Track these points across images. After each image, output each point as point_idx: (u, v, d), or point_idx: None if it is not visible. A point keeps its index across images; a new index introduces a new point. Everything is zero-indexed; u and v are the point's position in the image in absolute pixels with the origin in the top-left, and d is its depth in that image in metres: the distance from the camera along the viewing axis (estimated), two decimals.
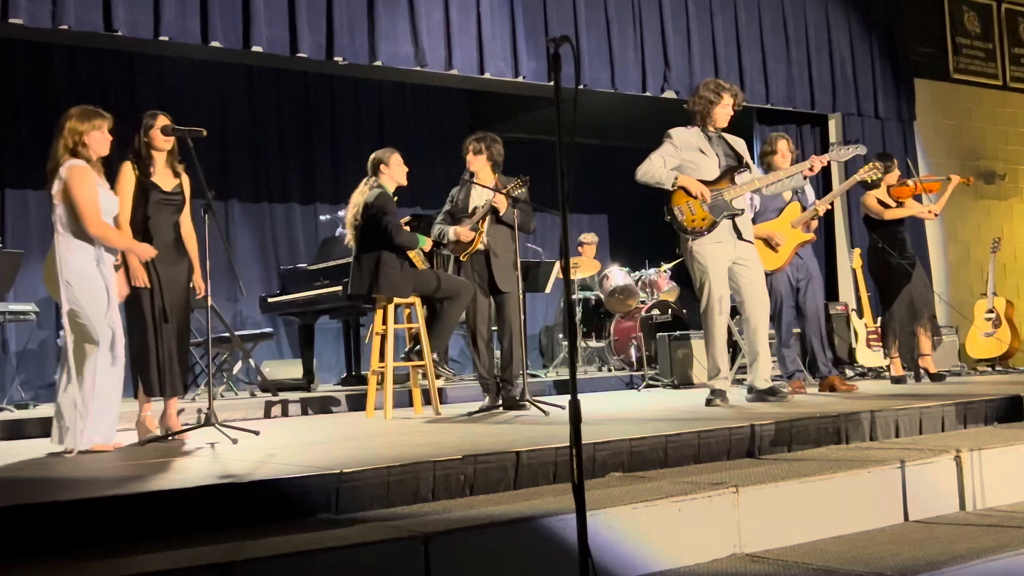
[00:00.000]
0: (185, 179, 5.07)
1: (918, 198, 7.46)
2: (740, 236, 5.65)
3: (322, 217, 10.36)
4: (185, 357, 5.14)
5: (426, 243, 6.09)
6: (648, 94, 9.02)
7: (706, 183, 5.61)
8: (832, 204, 7.03)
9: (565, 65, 2.83)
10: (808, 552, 3.17)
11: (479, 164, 6.08)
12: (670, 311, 9.33)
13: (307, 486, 3.10)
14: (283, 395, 7.12)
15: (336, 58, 7.50)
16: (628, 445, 3.79)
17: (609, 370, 9.61)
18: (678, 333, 8.26)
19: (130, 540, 2.78)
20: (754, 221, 6.23)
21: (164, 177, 4.98)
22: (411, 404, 6.39)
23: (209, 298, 5.09)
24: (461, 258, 6.07)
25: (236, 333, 7.95)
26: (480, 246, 6.00)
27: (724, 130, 5.82)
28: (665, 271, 10.04)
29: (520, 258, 6.03)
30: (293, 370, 8.53)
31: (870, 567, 2.91)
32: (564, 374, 9.06)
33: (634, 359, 9.06)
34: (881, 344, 7.59)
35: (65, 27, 6.45)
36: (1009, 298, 9.30)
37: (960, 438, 4.39)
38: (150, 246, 4.74)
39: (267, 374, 7.98)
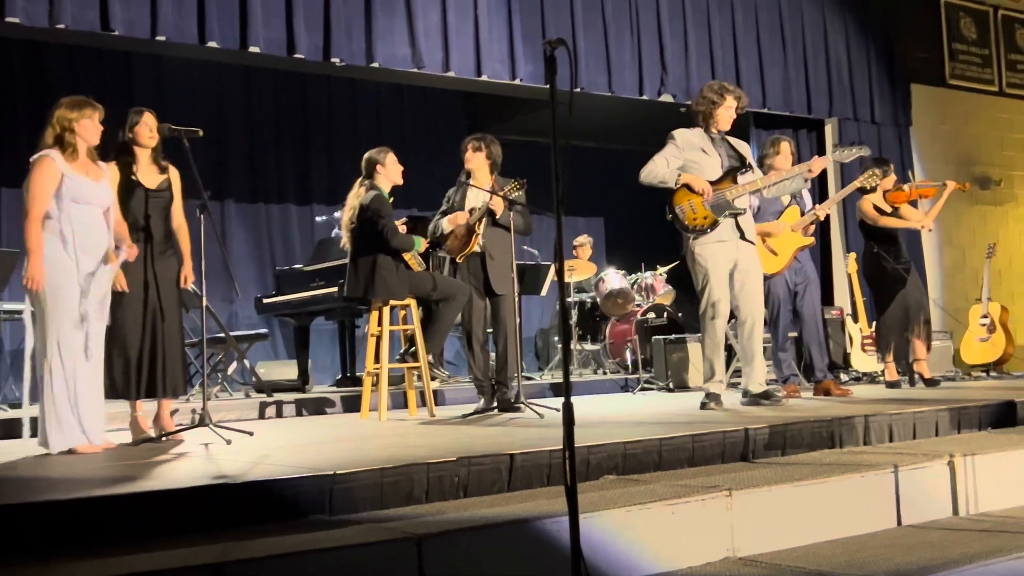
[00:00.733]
0: (173, 173, 5.05)
1: (914, 203, 7.47)
2: (743, 236, 5.65)
3: (318, 218, 10.36)
4: (182, 356, 5.13)
5: (421, 245, 6.09)
6: (645, 97, 9.04)
7: (709, 183, 5.62)
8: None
9: (561, 68, 2.83)
10: (801, 556, 3.17)
11: (478, 162, 6.07)
12: (666, 314, 9.34)
13: (301, 487, 3.10)
14: (278, 396, 7.11)
15: (333, 59, 7.50)
16: (622, 448, 3.79)
17: (604, 373, 9.61)
18: (673, 336, 8.26)
19: (122, 540, 2.77)
20: None
21: (149, 174, 4.96)
22: (406, 406, 6.38)
23: (204, 298, 5.08)
24: (457, 260, 6.07)
25: (231, 333, 7.94)
26: (476, 248, 6.00)
27: (727, 133, 5.84)
28: (661, 274, 10.04)
29: (516, 260, 6.03)
30: (288, 371, 8.52)
31: (863, 571, 2.92)
32: (559, 376, 9.06)
33: (629, 362, 9.07)
34: (876, 349, 7.59)
35: (62, 26, 6.45)
36: (1004, 303, 9.32)
37: (954, 443, 4.39)
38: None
39: (262, 375, 7.97)
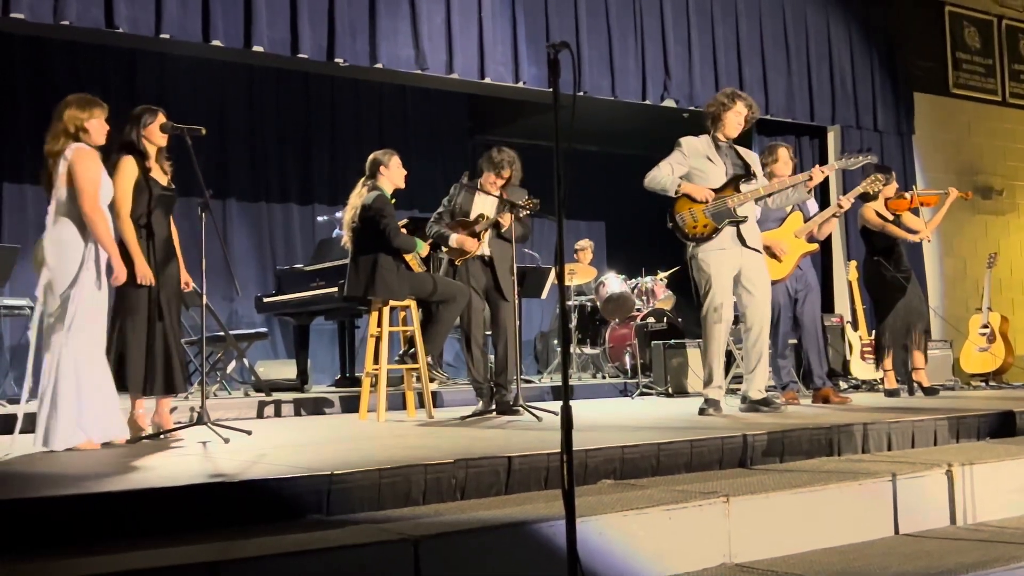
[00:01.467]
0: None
1: (915, 211, 7.47)
2: (745, 244, 5.65)
3: (319, 218, 10.37)
4: (183, 354, 5.13)
5: (423, 248, 6.09)
6: (648, 102, 9.04)
7: (711, 190, 5.62)
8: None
9: (565, 71, 2.84)
10: (798, 563, 3.17)
11: (502, 183, 6.07)
12: (666, 319, 9.33)
13: (298, 487, 3.10)
14: (276, 395, 7.11)
15: (337, 59, 7.50)
16: (620, 452, 3.79)
17: (603, 377, 9.61)
18: (673, 342, 8.26)
19: (118, 537, 2.77)
20: None
21: (158, 173, 4.98)
22: (404, 407, 6.38)
23: (204, 296, 5.08)
24: (456, 262, 6.07)
25: (231, 332, 7.94)
26: (478, 253, 6.00)
27: (736, 142, 5.83)
28: (662, 279, 10.05)
29: (517, 264, 6.04)
30: (287, 370, 8.52)
31: None
32: (559, 380, 9.06)
33: (628, 367, 9.06)
34: (875, 357, 7.59)
35: (66, 22, 6.45)
36: (1004, 313, 9.31)
37: (952, 452, 4.39)
38: (115, 276, 4.63)
39: (261, 374, 7.98)
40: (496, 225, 5.97)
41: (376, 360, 5.97)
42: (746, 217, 5.68)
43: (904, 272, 7.16)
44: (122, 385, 4.74)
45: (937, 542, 3.50)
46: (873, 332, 7.64)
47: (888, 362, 7.20)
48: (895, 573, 2.98)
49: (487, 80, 8.15)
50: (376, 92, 11.04)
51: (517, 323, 6.07)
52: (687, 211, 5.63)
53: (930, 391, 7.16)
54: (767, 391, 5.87)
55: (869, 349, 7.95)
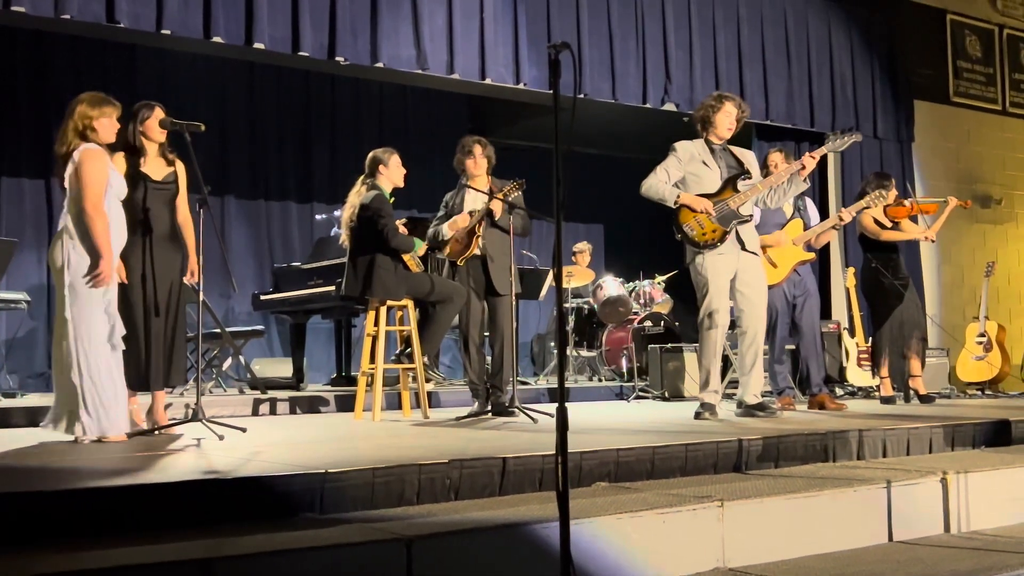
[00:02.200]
0: (180, 167, 5.07)
1: (914, 218, 7.47)
2: (743, 247, 5.65)
3: (318, 216, 10.36)
4: (183, 349, 5.12)
5: (421, 248, 6.08)
6: (648, 106, 9.03)
7: (709, 196, 5.61)
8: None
9: (566, 73, 2.84)
10: (791, 569, 3.17)
11: (483, 165, 6.06)
12: (663, 323, 9.34)
13: (292, 485, 3.09)
14: (272, 393, 7.09)
15: (338, 58, 7.49)
16: (615, 455, 3.78)
17: (600, 380, 9.61)
18: (670, 345, 8.26)
19: (112, 533, 2.77)
20: None
21: (156, 166, 4.98)
22: (400, 407, 6.38)
23: (201, 293, 5.08)
24: (458, 262, 6.06)
25: (227, 329, 7.93)
26: (476, 250, 5.99)
27: (730, 142, 5.82)
28: (659, 283, 10.05)
29: (515, 265, 6.03)
30: (283, 368, 8.51)
31: None
32: (555, 382, 9.05)
33: (625, 370, 9.06)
34: (872, 364, 7.59)
35: (67, 17, 6.44)
36: (1001, 322, 9.32)
37: (947, 460, 4.39)
38: (117, 269, 4.63)
39: (257, 372, 7.96)
40: (489, 214, 5.95)
41: (372, 359, 5.97)
42: (751, 216, 5.67)
43: (902, 280, 7.16)
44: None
45: (931, 550, 3.50)
46: (870, 339, 7.64)
47: (884, 369, 7.20)
48: None
49: (488, 81, 8.15)
50: (376, 92, 11.04)
51: (514, 324, 6.06)
52: (692, 219, 5.61)
53: (926, 399, 7.16)
54: (763, 396, 5.87)
55: (866, 356, 7.95)
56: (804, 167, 5.72)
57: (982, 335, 9.07)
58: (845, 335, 8.28)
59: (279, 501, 3.06)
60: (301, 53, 7.33)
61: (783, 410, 6.12)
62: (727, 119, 5.72)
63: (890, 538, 3.61)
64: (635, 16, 8.94)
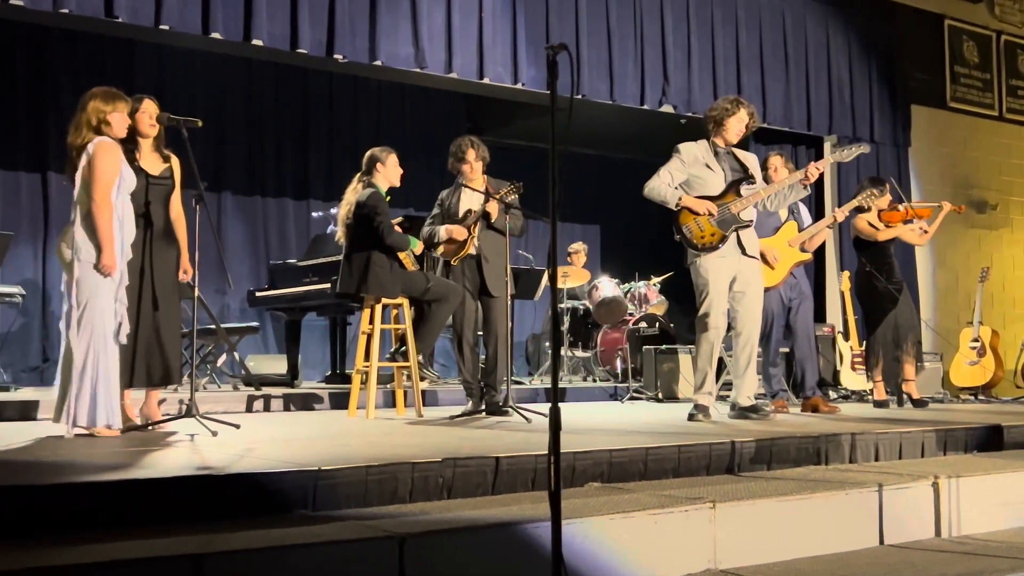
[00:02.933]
0: (175, 162, 5.07)
1: (909, 223, 7.48)
2: (744, 251, 5.65)
3: (314, 214, 10.35)
4: (178, 346, 5.12)
5: (417, 246, 6.09)
6: (646, 107, 9.04)
7: (711, 198, 5.62)
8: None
9: (563, 73, 2.84)
10: (782, 571, 3.17)
11: (478, 168, 6.07)
12: (657, 325, 9.34)
13: (285, 481, 3.10)
14: (266, 390, 7.10)
15: (336, 55, 7.50)
16: (608, 456, 3.79)
17: (594, 380, 9.61)
18: (664, 347, 8.27)
19: (104, 527, 2.76)
20: None
21: (152, 162, 4.98)
22: (394, 405, 6.38)
23: (196, 289, 5.08)
24: (452, 262, 6.07)
25: (222, 325, 7.93)
26: (472, 250, 6.00)
27: (736, 146, 5.83)
28: (655, 284, 10.05)
29: (510, 264, 6.03)
30: (277, 365, 8.51)
31: None
32: (549, 382, 9.05)
33: (619, 371, 9.07)
34: (865, 367, 7.60)
35: (66, 11, 6.43)
36: (995, 328, 9.34)
37: (939, 465, 4.40)
38: (116, 264, 4.61)
39: (251, 368, 7.96)
40: (485, 216, 5.96)
41: (367, 357, 5.97)
42: (751, 221, 5.68)
43: (896, 284, 7.18)
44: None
45: (922, 553, 3.51)
46: (864, 343, 7.65)
47: (878, 373, 7.21)
48: None
49: (486, 80, 8.15)
50: (374, 90, 11.03)
51: (509, 324, 6.06)
52: (692, 222, 5.62)
53: (919, 403, 7.18)
54: (757, 399, 5.88)
55: (860, 359, 7.96)
56: (808, 177, 5.72)
57: (976, 340, 9.09)
58: (839, 338, 8.29)
59: (272, 497, 3.06)
60: (299, 50, 7.34)
61: (776, 412, 6.13)
62: (739, 125, 5.72)
63: (881, 541, 3.61)
64: (634, 17, 8.96)
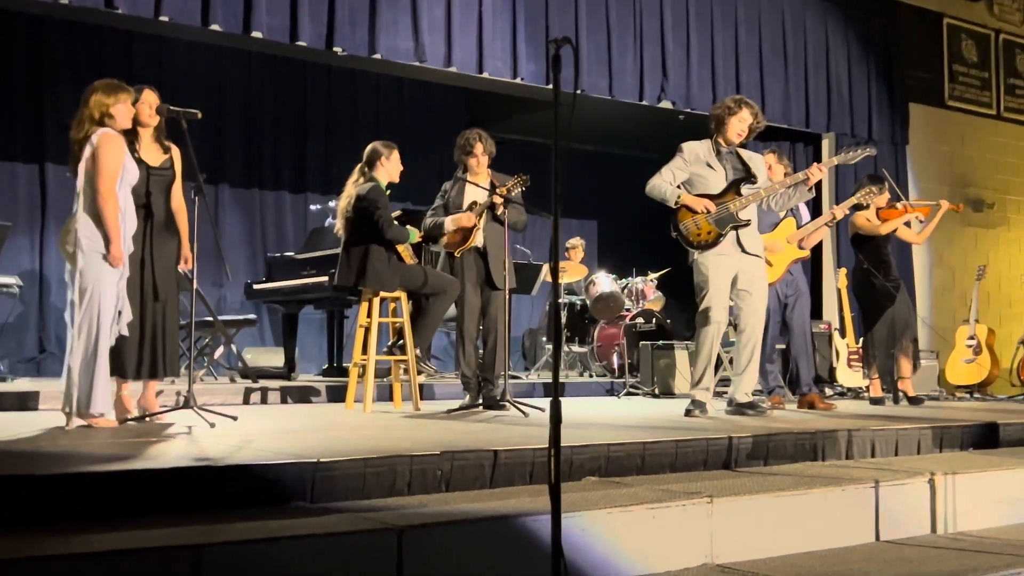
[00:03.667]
0: (176, 153, 5.07)
1: (906, 222, 7.50)
2: (744, 250, 5.66)
3: (312, 207, 10.34)
4: (176, 338, 5.12)
5: (415, 236, 6.08)
6: (645, 103, 9.05)
7: (712, 196, 5.62)
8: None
9: (564, 69, 2.84)
10: (779, 566, 3.19)
11: (484, 162, 6.07)
12: (655, 320, 9.35)
13: (283, 473, 3.10)
14: (263, 382, 7.11)
15: (336, 48, 7.49)
16: (606, 450, 3.80)
17: (591, 376, 9.62)
18: (661, 343, 8.28)
19: (103, 518, 2.77)
20: None
21: (152, 152, 4.98)
22: (391, 398, 6.38)
23: (195, 281, 5.08)
24: (455, 254, 6.06)
25: (219, 318, 7.93)
26: (476, 243, 6.00)
27: (741, 146, 5.83)
28: (652, 280, 10.06)
29: (510, 258, 6.03)
30: (275, 358, 8.51)
31: None
32: (546, 377, 9.07)
33: (616, 366, 9.08)
34: (862, 364, 7.62)
35: (65, 2, 6.43)
36: (991, 326, 9.36)
37: (935, 462, 4.41)
38: (123, 255, 4.62)
39: (248, 361, 7.96)
40: (491, 207, 5.96)
41: (365, 351, 5.97)
42: (749, 221, 5.68)
43: (893, 281, 7.19)
44: (115, 367, 4.74)
45: (917, 550, 3.52)
46: (860, 340, 7.67)
47: (875, 370, 7.23)
48: None
49: (485, 75, 8.15)
50: (373, 83, 11.03)
51: (507, 318, 6.06)
52: (690, 219, 5.63)
53: (915, 400, 7.20)
54: (753, 395, 5.89)
55: (856, 357, 7.98)
56: (810, 178, 5.72)
57: (972, 338, 9.11)
58: (836, 335, 8.31)
59: (271, 489, 3.07)
60: (299, 43, 7.34)
61: (773, 409, 6.15)
62: (740, 124, 5.71)
63: (877, 537, 3.63)
64: (633, 13, 8.96)
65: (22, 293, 8.02)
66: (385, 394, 6.54)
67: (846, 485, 3.66)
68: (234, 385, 7.12)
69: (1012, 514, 4.04)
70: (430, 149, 10.93)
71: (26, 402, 5.83)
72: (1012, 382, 9.48)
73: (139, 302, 4.81)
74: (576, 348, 9.97)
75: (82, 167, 4.55)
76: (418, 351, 6.38)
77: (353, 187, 5.99)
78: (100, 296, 4.48)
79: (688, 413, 5.59)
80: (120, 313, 4.58)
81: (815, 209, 9.26)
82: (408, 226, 6.05)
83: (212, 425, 4.48)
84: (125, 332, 4.62)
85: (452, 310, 6.37)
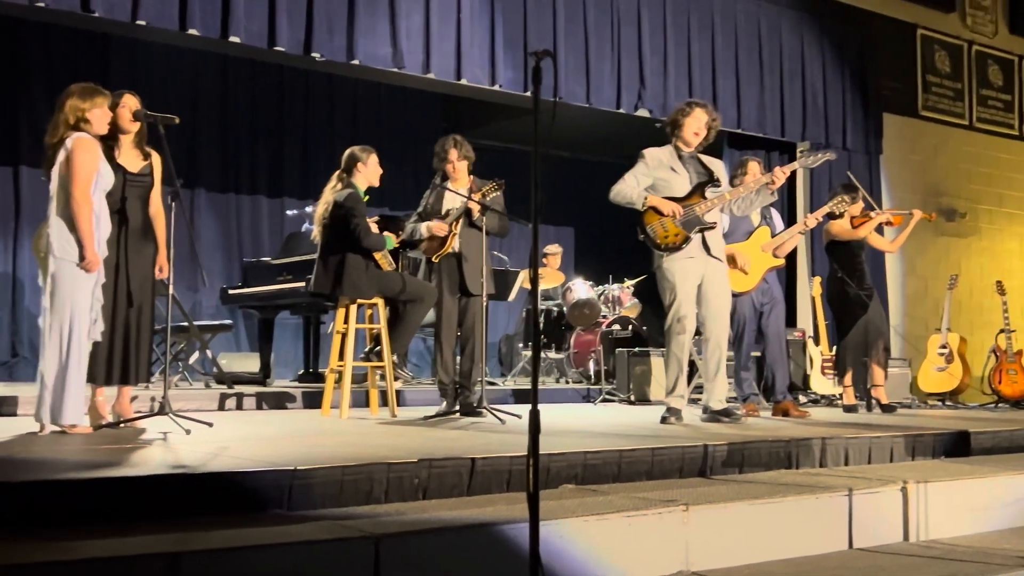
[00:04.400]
0: (156, 159, 5.03)
1: (880, 230, 7.57)
2: (709, 252, 5.70)
3: (289, 212, 10.32)
4: (148, 345, 5.10)
5: (392, 243, 6.08)
6: (622, 111, 9.08)
7: (677, 199, 5.66)
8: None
9: (544, 77, 2.85)
10: (754, 574, 3.21)
11: (461, 168, 6.08)
12: (631, 327, 9.38)
13: (260, 481, 3.10)
14: (238, 388, 7.07)
15: (314, 54, 7.47)
16: (582, 458, 3.81)
17: (567, 382, 9.64)
18: (637, 349, 8.31)
19: (78, 526, 2.75)
20: None
21: (131, 158, 4.94)
22: (367, 404, 6.37)
23: (171, 286, 5.05)
24: (433, 259, 6.06)
25: (195, 323, 7.89)
26: (452, 248, 6.00)
27: (708, 154, 5.87)
28: (628, 287, 10.09)
29: (488, 264, 6.03)
30: (250, 363, 8.47)
31: None
32: (522, 383, 9.08)
33: (592, 373, 9.10)
34: (835, 372, 7.68)
35: (41, 4, 6.38)
36: (963, 334, 9.45)
37: (907, 470, 4.46)
38: (98, 260, 4.59)
39: (224, 366, 7.92)
40: (467, 214, 5.96)
41: (341, 357, 5.96)
42: (715, 223, 5.72)
43: (867, 290, 7.25)
44: (89, 373, 4.70)
45: (890, 557, 3.55)
46: (834, 348, 7.73)
47: (848, 378, 7.28)
48: None
49: (463, 81, 8.15)
50: (351, 89, 11.01)
51: (483, 324, 6.06)
52: (657, 222, 5.66)
53: (888, 408, 7.26)
54: (728, 402, 5.92)
55: (830, 364, 8.04)
56: (773, 180, 5.77)
57: (944, 347, 9.19)
58: (810, 343, 8.37)
59: (247, 497, 3.06)
60: (277, 48, 7.31)
61: (748, 416, 6.18)
62: (695, 124, 5.75)
63: (850, 545, 3.66)
64: (611, 22, 8.99)
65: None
66: (361, 400, 6.52)
67: (820, 493, 3.69)
68: (209, 391, 7.08)
69: (983, 522, 4.08)
70: (407, 154, 10.92)
71: (1, 407, 5.78)
72: (983, 390, 9.58)
73: (112, 308, 4.78)
74: (553, 354, 9.99)
75: (56, 171, 4.51)
76: (395, 357, 6.37)
77: (331, 193, 5.97)
78: (73, 302, 4.45)
79: (664, 420, 5.61)
80: (96, 321, 4.55)
81: (789, 218, 9.34)
82: (385, 232, 6.05)
83: (188, 432, 4.45)
84: (98, 338, 4.60)
85: (430, 315, 6.37)
